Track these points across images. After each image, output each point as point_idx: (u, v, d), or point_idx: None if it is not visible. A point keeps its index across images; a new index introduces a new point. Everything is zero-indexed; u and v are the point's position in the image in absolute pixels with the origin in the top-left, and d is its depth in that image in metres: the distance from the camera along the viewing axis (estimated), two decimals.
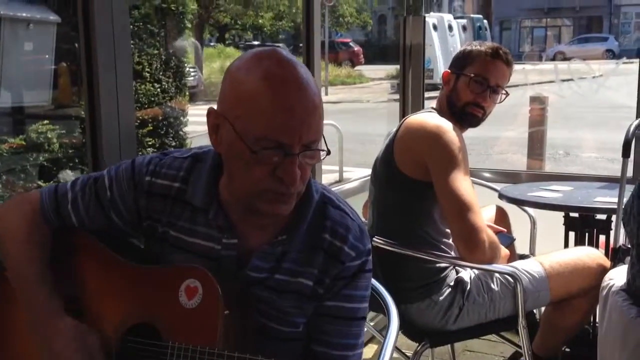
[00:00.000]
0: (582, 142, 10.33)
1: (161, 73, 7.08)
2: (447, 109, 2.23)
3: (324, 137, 1.17)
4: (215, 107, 1.19)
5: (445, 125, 2.09)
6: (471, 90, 2.17)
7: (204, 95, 16.95)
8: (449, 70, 2.25)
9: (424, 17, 3.73)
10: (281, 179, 1.13)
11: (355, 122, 12.05)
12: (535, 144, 6.36)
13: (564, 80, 16.32)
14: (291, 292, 1.25)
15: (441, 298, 2.15)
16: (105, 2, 1.78)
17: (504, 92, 2.21)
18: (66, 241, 1.36)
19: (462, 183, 2.01)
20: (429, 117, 2.17)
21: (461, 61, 2.21)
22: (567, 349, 2.44)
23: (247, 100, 1.12)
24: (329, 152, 1.18)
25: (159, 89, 7.04)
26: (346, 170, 7.78)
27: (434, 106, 2.29)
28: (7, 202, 1.43)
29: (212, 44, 26.60)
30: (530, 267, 2.19)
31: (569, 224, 2.65)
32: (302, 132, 1.11)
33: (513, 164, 8.35)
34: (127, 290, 1.28)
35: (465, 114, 2.19)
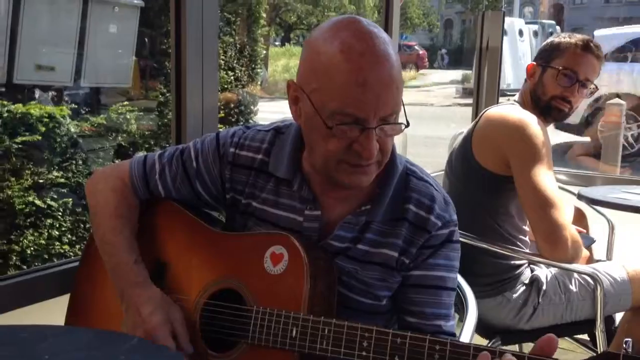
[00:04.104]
0: None
1: (235, 61, 7.20)
2: (530, 103, 2.16)
3: (404, 109, 1.16)
4: (295, 79, 1.20)
5: (529, 118, 2.03)
6: (559, 84, 2.10)
7: (269, 92, 17.18)
8: (534, 63, 2.19)
9: (504, 13, 3.65)
10: (358, 152, 1.13)
11: (420, 126, 11.90)
12: (611, 149, 6.13)
13: None
14: (375, 264, 1.25)
15: (515, 295, 2.09)
16: None
17: (593, 86, 2.14)
18: (154, 210, 1.40)
19: (545, 178, 1.95)
20: (511, 110, 2.11)
21: (549, 53, 2.15)
22: None
23: (323, 73, 1.11)
24: (408, 125, 1.16)
25: (232, 77, 7.16)
26: None
27: (516, 99, 2.24)
28: (98, 173, 1.47)
29: (276, 43, 26.91)
30: (612, 270, 2.11)
31: None
32: (378, 106, 1.10)
33: (587, 169, 8.09)
34: (212, 256, 1.30)
35: (551, 108, 2.12)
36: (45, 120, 4.57)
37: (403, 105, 1.16)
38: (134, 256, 1.31)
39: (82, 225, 4.61)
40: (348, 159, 1.14)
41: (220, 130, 1.40)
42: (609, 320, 2.17)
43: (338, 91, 1.09)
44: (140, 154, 1.49)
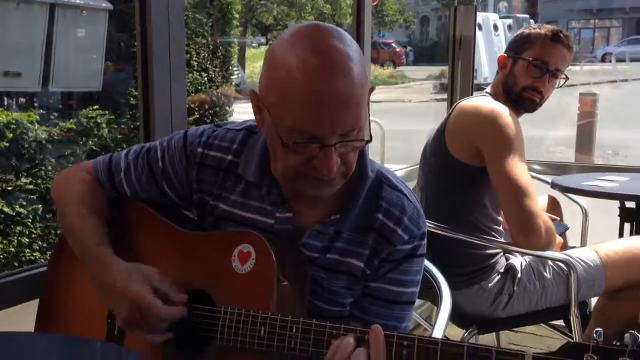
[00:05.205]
0: (632, 143, 10.00)
1: (208, 62, 7.15)
2: (503, 94, 2.17)
3: (369, 121, 1.13)
4: (257, 89, 1.16)
5: (501, 109, 2.04)
6: (529, 75, 2.11)
7: (246, 94, 17.10)
8: (505, 54, 2.20)
9: (475, 7, 3.66)
10: (318, 168, 1.10)
11: (397, 121, 11.94)
12: (585, 139, 6.17)
13: (611, 82, 15.87)
14: (342, 273, 1.23)
15: (490, 284, 2.11)
16: None
17: (563, 76, 2.15)
18: (119, 210, 1.37)
19: (517, 167, 1.96)
20: (483, 101, 2.12)
21: (519, 44, 2.16)
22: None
23: (280, 90, 1.08)
24: (370, 140, 1.13)
25: (206, 78, 7.12)
26: (388, 167, 7.68)
27: (488, 90, 2.25)
28: (62, 172, 1.46)
29: (254, 44, 26.83)
30: (585, 255, 2.13)
31: (625, 215, 2.57)
32: (335, 124, 1.06)
33: (562, 160, 8.18)
34: (180, 256, 1.28)
35: (523, 98, 2.14)
36: (13, 126, 4.50)
37: (369, 114, 1.13)
38: (97, 238, 1.26)
39: (52, 232, 4.54)
40: (309, 172, 1.12)
41: (190, 128, 1.37)
42: (583, 305, 2.19)
43: (294, 109, 1.06)
44: None
